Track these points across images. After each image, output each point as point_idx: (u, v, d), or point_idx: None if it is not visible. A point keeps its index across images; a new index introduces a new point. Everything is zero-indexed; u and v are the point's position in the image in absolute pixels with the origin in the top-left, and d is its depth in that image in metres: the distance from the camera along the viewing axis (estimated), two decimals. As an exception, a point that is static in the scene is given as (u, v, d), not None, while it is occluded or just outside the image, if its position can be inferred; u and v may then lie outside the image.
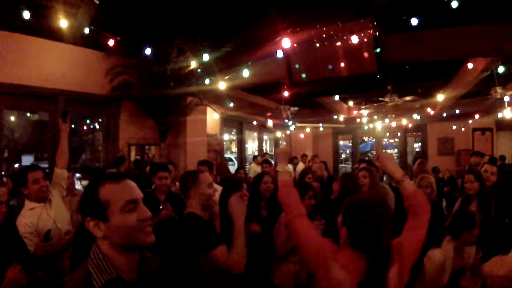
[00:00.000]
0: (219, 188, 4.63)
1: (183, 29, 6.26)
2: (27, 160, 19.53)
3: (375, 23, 5.97)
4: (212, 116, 9.04)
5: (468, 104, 10.66)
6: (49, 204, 3.44)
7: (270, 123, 11.07)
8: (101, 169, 5.33)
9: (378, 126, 13.98)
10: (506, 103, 8.08)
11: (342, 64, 6.73)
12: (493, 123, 13.13)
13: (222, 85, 6.66)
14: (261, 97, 10.67)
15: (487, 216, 3.68)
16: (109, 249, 1.35)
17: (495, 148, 13.27)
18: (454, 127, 13.94)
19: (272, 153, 16.30)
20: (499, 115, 9.18)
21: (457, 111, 11.34)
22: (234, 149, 16.00)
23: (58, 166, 3.73)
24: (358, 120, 13.42)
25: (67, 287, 1.35)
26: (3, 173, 6.56)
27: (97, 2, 5.02)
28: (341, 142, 18.50)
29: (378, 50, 6.22)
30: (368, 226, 1.81)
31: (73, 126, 11.58)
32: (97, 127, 9.20)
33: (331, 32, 6.35)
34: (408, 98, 10.81)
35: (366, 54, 6.37)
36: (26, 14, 4.82)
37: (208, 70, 6.76)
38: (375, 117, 12.99)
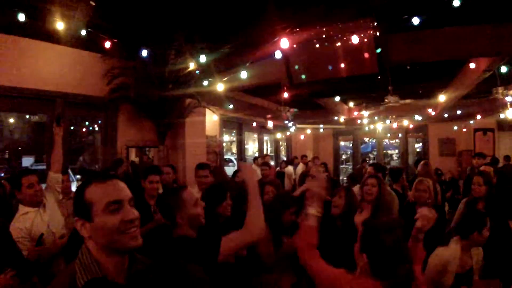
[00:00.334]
0: None
1: (181, 30, 6.20)
2: (27, 161, 19.62)
3: (375, 23, 5.90)
4: (212, 118, 8.98)
5: (470, 105, 10.58)
6: (43, 208, 3.42)
7: (270, 124, 11.01)
8: (98, 172, 5.27)
9: (378, 127, 13.91)
10: (508, 103, 8.01)
11: (342, 65, 6.67)
12: (494, 123, 13.07)
13: (220, 86, 6.59)
14: (260, 99, 10.60)
15: (493, 218, 3.62)
16: (95, 249, 1.34)
17: (496, 148, 13.21)
18: (456, 127, 13.90)
19: (272, 154, 16.28)
20: (501, 115, 9.11)
21: (458, 112, 11.26)
22: (235, 150, 15.98)
23: (53, 170, 3.71)
24: (358, 121, 13.36)
25: (52, 285, 1.36)
26: (2, 174, 6.54)
27: (93, 4, 4.97)
28: (342, 143, 18.46)
29: (378, 50, 6.16)
30: (389, 251, 1.76)
31: (72, 127, 11.57)
32: (96, 128, 9.15)
33: (331, 33, 6.28)
34: (408, 100, 10.74)
35: (366, 55, 6.31)
36: (22, 17, 4.78)
37: (206, 71, 6.70)
38: (376, 118, 12.92)
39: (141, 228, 3.65)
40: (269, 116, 11.09)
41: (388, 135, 16.94)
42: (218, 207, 3.07)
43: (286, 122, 11.05)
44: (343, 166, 18.86)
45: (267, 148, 18.07)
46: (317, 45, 6.48)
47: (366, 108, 12.49)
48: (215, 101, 8.06)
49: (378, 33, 5.97)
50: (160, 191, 4.31)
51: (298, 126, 13.40)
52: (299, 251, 2.22)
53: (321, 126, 15.34)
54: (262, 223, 2.22)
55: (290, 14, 5.49)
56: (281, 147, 17.25)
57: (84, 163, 13.26)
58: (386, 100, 9.45)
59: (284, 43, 5.14)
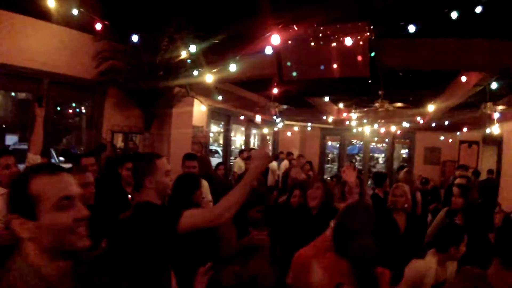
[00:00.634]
0: (203, 182, 4.53)
1: (175, 18, 6.10)
2: (11, 139, 19.20)
3: (371, 26, 5.88)
4: (199, 108, 8.89)
5: (458, 116, 10.68)
6: None
7: (258, 118, 10.96)
8: (78, 155, 5.17)
9: (366, 130, 13.99)
10: (495, 119, 8.10)
11: (335, 66, 6.64)
12: (480, 136, 13.22)
13: (209, 77, 6.51)
14: (250, 92, 10.55)
15: (472, 231, 3.65)
16: (36, 254, 1.16)
17: (480, 161, 13.37)
18: (442, 137, 14.09)
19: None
20: (487, 130, 9.21)
21: (446, 122, 11.38)
22: (222, 141, 15.93)
23: (32, 151, 3.68)
24: (347, 122, 13.40)
25: None
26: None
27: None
28: (329, 143, 18.51)
29: (372, 54, 6.15)
30: (348, 231, 1.94)
31: (58, 108, 11.36)
32: (84, 111, 9.00)
33: (328, 32, 6.24)
34: (398, 104, 10.80)
35: (360, 58, 6.29)
36: None
37: (197, 61, 6.61)
38: (364, 121, 12.98)
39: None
40: (257, 109, 11.04)
41: (376, 139, 17.04)
42: (192, 196, 3.18)
43: (274, 117, 11.02)
44: (329, 165, 18.94)
45: (254, 142, 18.01)
46: (312, 44, 6.44)
47: (356, 110, 12.53)
48: (204, 91, 7.97)
49: (373, 37, 5.95)
50: None
51: (286, 122, 13.38)
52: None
53: (309, 124, 15.35)
54: (228, 209, 2.11)
55: (286, 9, 5.44)
56: (268, 142, 17.22)
57: (67, 145, 13.04)
58: (376, 104, 9.50)
59: (275, 39, 5.09)
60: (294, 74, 7.07)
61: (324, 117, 12.98)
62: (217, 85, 7.72)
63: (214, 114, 10.99)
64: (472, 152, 13.65)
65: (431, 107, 9.04)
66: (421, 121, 11.27)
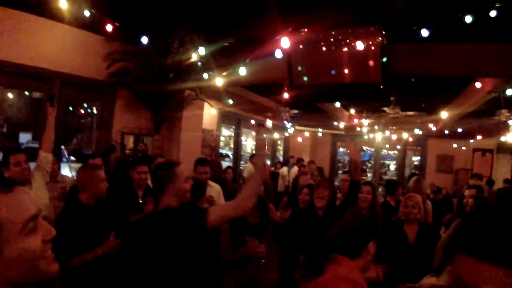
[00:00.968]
0: (215, 185, 4.50)
1: (185, 20, 6.11)
2: (24, 137, 19.56)
3: (383, 31, 5.81)
4: (210, 111, 8.88)
5: (471, 124, 10.50)
6: (29, 186, 3.49)
7: (269, 123, 10.91)
8: (88, 156, 5.20)
9: (378, 137, 13.84)
10: (510, 126, 7.93)
11: (346, 71, 6.56)
12: (494, 144, 13.00)
13: (219, 81, 6.49)
14: (261, 96, 10.52)
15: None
16: None
17: (494, 170, 13.14)
18: (455, 145, 13.84)
19: (269, 153, 16.20)
20: (502, 138, 9.04)
21: (459, 130, 11.18)
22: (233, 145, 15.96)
23: (43, 149, 3.76)
24: (358, 128, 13.27)
25: None
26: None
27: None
28: (340, 149, 18.38)
29: (384, 59, 6.06)
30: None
31: (70, 108, 11.49)
32: (95, 111, 9.08)
33: (339, 37, 6.18)
34: (410, 113, 10.66)
35: (371, 62, 6.21)
36: None
37: (208, 64, 6.60)
38: (376, 127, 12.84)
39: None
40: (268, 114, 10.99)
41: (387, 145, 16.87)
42: (199, 201, 3.34)
43: (285, 122, 10.96)
44: (340, 171, 18.79)
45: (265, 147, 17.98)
46: (323, 48, 6.38)
47: (367, 117, 12.41)
48: (214, 94, 7.96)
49: (385, 42, 5.87)
50: (149, 181, 4.31)
51: (297, 127, 13.31)
52: None
53: (320, 130, 15.25)
54: (251, 197, 2.37)
55: (297, 13, 5.40)
56: (279, 147, 17.17)
57: (78, 145, 13.19)
58: (387, 111, 9.39)
59: (285, 42, 5.04)
60: (305, 79, 7.01)
61: (335, 123, 12.89)
62: (228, 89, 7.69)
63: (225, 118, 10.98)
64: (486, 161, 13.42)
65: (444, 114, 8.88)
66: (434, 128, 11.10)
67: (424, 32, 4.85)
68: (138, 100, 7.01)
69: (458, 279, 1.09)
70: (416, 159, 17.78)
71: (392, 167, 20.35)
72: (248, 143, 20.77)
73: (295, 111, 11.36)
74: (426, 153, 15.10)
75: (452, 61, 5.93)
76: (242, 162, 13.24)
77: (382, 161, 18.63)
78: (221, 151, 14.37)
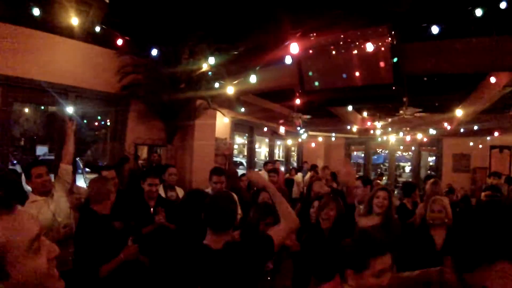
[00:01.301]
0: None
1: (195, 30, 6.16)
2: (41, 150, 19.91)
3: (392, 31, 5.77)
4: (222, 120, 8.91)
5: (487, 120, 10.31)
6: (51, 198, 3.64)
7: (282, 130, 10.91)
8: (101, 167, 5.28)
9: (391, 139, 13.71)
10: (528, 121, 7.79)
11: (357, 74, 6.54)
12: (512, 141, 12.76)
13: (230, 89, 6.51)
14: (273, 103, 10.52)
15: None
16: None
17: (512, 167, 12.90)
18: (471, 143, 13.56)
19: (283, 159, 16.19)
20: (520, 133, 8.88)
21: (475, 127, 10.95)
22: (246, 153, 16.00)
23: (64, 162, 3.97)
24: (371, 131, 13.17)
25: None
26: (15, 162, 6.59)
27: (107, 1, 4.98)
28: (354, 153, 18.26)
29: (395, 60, 6.02)
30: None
31: (85, 121, 11.66)
32: (108, 124, 9.24)
33: (348, 39, 6.17)
34: (424, 113, 10.54)
35: (382, 64, 6.18)
36: (36, 11, 4.92)
37: (218, 73, 6.64)
38: (389, 129, 12.72)
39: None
40: (281, 121, 10.99)
41: (401, 147, 16.71)
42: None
43: (298, 128, 10.94)
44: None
45: (279, 153, 17.95)
46: (333, 52, 6.37)
47: (380, 119, 12.31)
48: (226, 103, 7.99)
49: (395, 42, 5.83)
50: (160, 192, 4.43)
51: (310, 133, 13.27)
52: None
53: (333, 134, 15.18)
54: (294, 213, 2.47)
55: (305, 18, 5.40)
56: (293, 153, 17.13)
57: (93, 156, 13.35)
58: (400, 112, 9.30)
59: (294, 48, 5.04)
60: (316, 83, 7.01)
61: (348, 127, 12.81)
62: (239, 97, 7.71)
63: (238, 126, 11.00)
64: (504, 158, 13.17)
65: (459, 112, 8.74)
66: (449, 127, 10.92)
67: (435, 29, 4.81)
68: (150, 111, 7.07)
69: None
70: (431, 159, 17.56)
71: (407, 168, 20.15)
72: (262, 150, 20.76)
73: (308, 117, 11.33)
74: (441, 153, 14.85)
75: (465, 56, 5.84)
76: (256, 170, 13.23)
77: (396, 163, 18.45)
78: (235, 159, 14.40)
